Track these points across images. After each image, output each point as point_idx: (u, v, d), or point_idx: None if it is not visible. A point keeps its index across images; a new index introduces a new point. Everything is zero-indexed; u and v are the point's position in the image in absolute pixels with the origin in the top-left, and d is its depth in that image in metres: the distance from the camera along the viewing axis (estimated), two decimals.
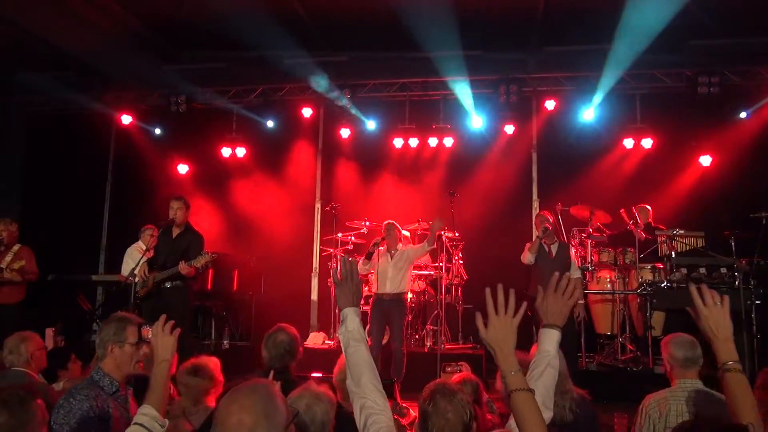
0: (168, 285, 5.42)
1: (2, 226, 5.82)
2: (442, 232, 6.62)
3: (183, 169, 8.60)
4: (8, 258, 5.76)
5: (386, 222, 6.11)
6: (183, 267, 5.27)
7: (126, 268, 6.24)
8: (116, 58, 7.45)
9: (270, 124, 8.31)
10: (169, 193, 6.57)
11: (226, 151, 8.37)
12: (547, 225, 5.97)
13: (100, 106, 8.33)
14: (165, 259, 5.48)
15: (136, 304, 5.27)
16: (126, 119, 8.39)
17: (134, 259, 6.18)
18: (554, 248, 6.04)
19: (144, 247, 6.22)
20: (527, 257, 5.99)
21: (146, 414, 2.09)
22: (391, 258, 5.97)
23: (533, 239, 6.21)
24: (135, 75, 7.99)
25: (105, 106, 8.37)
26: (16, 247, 5.85)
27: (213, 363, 2.95)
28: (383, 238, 6.00)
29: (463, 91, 7.70)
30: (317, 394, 2.09)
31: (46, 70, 7.79)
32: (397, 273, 5.89)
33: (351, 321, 1.94)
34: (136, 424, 2.06)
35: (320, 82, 7.48)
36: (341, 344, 1.94)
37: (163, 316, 2.26)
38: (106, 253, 8.77)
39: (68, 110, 8.55)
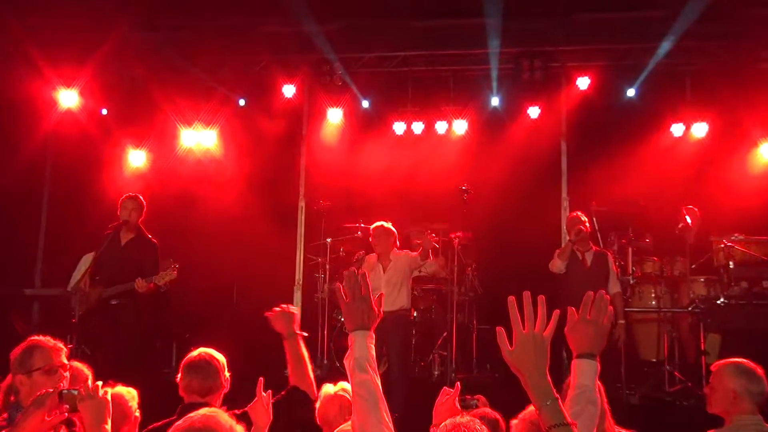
0: (114, 302, 5.39)
1: None
2: (454, 236, 6.63)
3: (138, 159, 8.60)
4: None
5: (375, 225, 6.06)
6: (141, 285, 5.29)
7: (74, 280, 6.24)
8: (59, 24, 7.39)
9: (242, 103, 8.30)
10: (120, 190, 6.56)
11: (189, 137, 8.36)
12: (581, 227, 6.01)
13: (37, 82, 8.23)
14: (112, 272, 5.45)
15: (75, 324, 5.23)
16: (69, 98, 8.23)
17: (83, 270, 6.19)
18: (589, 256, 6.10)
19: None
20: (557, 265, 6.04)
21: None
22: (384, 270, 5.94)
23: (563, 245, 6.22)
24: (80, 44, 7.93)
25: (43, 83, 8.25)
26: None
27: (129, 395, 2.93)
28: (366, 253, 6.01)
29: (478, 66, 7.71)
30: None
31: None
32: (392, 289, 5.84)
33: (358, 347, 1.91)
34: None
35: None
36: (347, 373, 1.93)
37: (86, 383, 2.26)
38: (43, 262, 8.70)
39: None
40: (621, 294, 6.14)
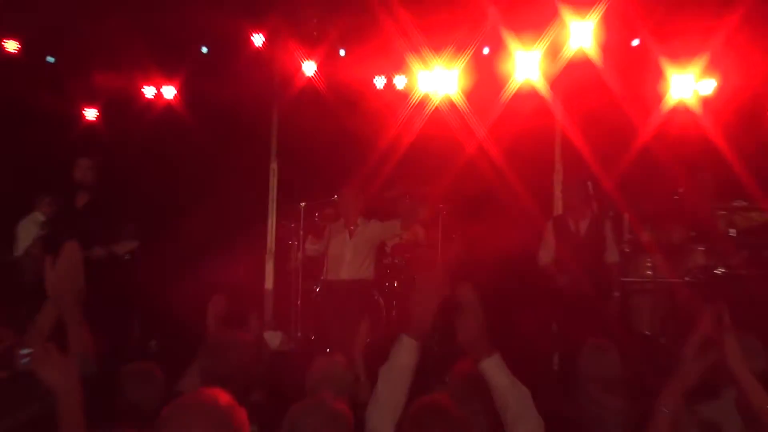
0: None
1: None
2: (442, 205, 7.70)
3: (90, 114, 9.75)
4: None
5: (343, 189, 6.93)
6: (99, 254, 6.13)
7: (23, 245, 7.30)
8: None
9: (205, 50, 9.23)
10: (71, 149, 7.29)
11: (149, 91, 9.41)
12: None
13: None
14: (68, 238, 6.35)
15: (23, 295, 6.04)
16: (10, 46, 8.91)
17: (31, 234, 7.28)
18: (584, 224, 6.91)
19: (42, 219, 7.31)
20: (543, 257, 6.93)
21: None
22: (350, 236, 6.84)
23: (546, 231, 7.04)
24: None
25: None
26: None
27: None
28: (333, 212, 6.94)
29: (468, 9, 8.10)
30: (333, 412, 2.53)
31: None
32: (356, 256, 6.74)
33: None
34: None
35: None
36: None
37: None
38: None
39: None
40: (618, 264, 6.97)
